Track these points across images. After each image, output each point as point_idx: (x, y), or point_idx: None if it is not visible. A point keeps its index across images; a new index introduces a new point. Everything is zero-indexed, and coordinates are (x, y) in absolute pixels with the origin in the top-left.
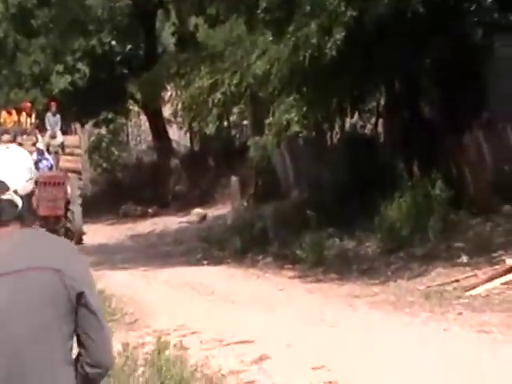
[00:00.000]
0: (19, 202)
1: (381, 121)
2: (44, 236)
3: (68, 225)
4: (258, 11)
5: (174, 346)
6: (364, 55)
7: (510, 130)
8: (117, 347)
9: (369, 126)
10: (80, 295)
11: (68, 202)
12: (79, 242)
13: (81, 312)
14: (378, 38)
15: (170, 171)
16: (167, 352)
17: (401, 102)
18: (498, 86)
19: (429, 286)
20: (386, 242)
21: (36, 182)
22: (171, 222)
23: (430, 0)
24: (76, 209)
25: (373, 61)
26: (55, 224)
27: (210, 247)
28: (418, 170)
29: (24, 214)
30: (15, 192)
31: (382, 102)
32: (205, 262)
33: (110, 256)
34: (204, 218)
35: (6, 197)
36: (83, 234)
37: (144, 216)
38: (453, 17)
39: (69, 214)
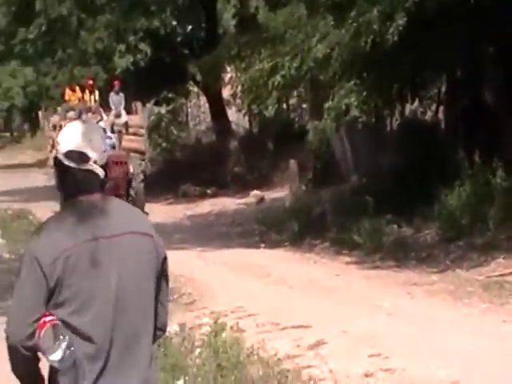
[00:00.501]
0: (101, 172)
1: (442, 108)
2: (125, 204)
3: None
4: None
5: (231, 328)
6: (426, 41)
7: None
8: (173, 327)
9: (429, 113)
10: (164, 260)
11: (130, 182)
12: None
13: (163, 278)
14: (440, 24)
15: (228, 153)
16: (224, 334)
17: (462, 89)
18: None
19: (488, 277)
20: (446, 230)
21: None
22: (229, 203)
23: None
24: (138, 189)
25: (435, 47)
26: None
27: (268, 230)
28: (478, 158)
29: (104, 182)
30: (95, 162)
31: (444, 88)
32: (262, 245)
33: (168, 235)
34: (262, 200)
35: (88, 167)
36: (145, 214)
37: (202, 196)
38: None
39: (131, 194)
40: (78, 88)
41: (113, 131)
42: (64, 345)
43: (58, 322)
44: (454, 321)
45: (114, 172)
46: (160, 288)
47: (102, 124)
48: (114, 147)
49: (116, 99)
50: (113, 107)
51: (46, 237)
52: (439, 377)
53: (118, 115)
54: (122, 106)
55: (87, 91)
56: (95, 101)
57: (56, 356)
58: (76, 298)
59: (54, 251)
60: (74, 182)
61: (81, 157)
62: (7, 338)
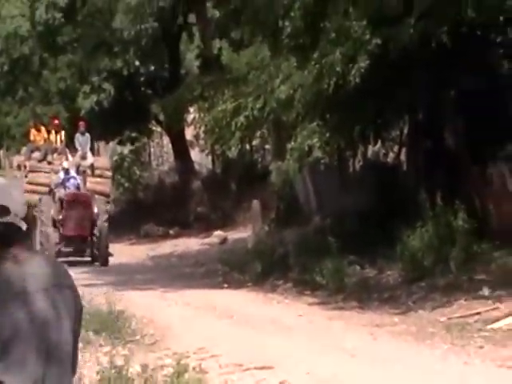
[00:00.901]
0: (23, 225)
1: (404, 149)
2: (45, 257)
3: (94, 246)
4: (283, 36)
5: (194, 369)
6: (388, 83)
7: None
8: (136, 369)
9: (391, 155)
10: (81, 311)
11: (94, 224)
12: (105, 263)
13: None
14: (402, 67)
15: (191, 193)
16: (186, 375)
17: (424, 131)
18: None
19: (450, 318)
20: (408, 271)
21: (62, 201)
22: (192, 244)
23: (456, 30)
24: (103, 230)
25: (396, 89)
26: (81, 244)
27: (231, 270)
28: (440, 200)
29: (27, 235)
30: (16, 215)
31: (405, 130)
32: (225, 285)
33: (130, 276)
34: (225, 240)
35: (10, 220)
36: (109, 255)
37: (165, 236)
38: (478, 48)
39: (95, 234)
40: (43, 128)
41: (78, 172)
42: None
43: None
44: (416, 362)
45: (78, 213)
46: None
47: (65, 165)
48: (78, 188)
49: (82, 140)
50: (79, 148)
51: None
52: None
53: (84, 157)
54: (88, 147)
55: (53, 131)
56: (61, 141)
57: None
58: None
59: None
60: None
61: (1, 210)
62: None
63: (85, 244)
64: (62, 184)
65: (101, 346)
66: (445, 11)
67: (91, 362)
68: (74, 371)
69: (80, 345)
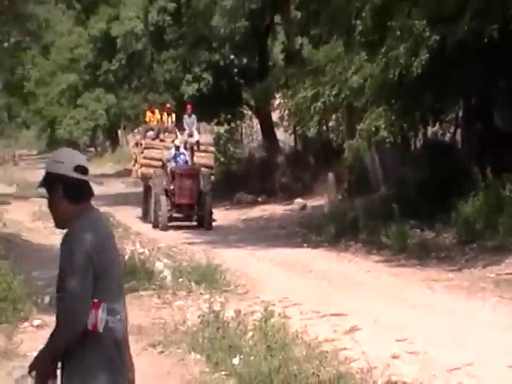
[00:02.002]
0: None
1: (459, 130)
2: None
3: (200, 212)
4: (355, 34)
5: (279, 315)
6: (445, 74)
7: None
8: (230, 313)
9: (448, 135)
10: None
11: (200, 193)
12: (209, 227)
13: None
14: (458, 60)
15: (276, 166)
16: (272, 320)
17: (476, 114)
18: None
19: (498, 274)
20: (461, 234)
21: (173, 173)
22: (277, 209)
23: (505, 27)
24: (208, 199)
25: (453, 78)
26: (189, 211)
27: (309, 232)
28: (490, 174)
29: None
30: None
31: (461, 113)
32: (304, 245)
33: (225, 236)
34: (304, 207)
35: (88, 179)
36: (213, 220)
37: (254, 203)
38: None
39: (201, 203)
40: (157, 111)
41: (186, 148)
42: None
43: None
44: (469, 312)
45: (187, 184)
46: None
47: (177, 142)
48: (186, 162)
49: (189, 120)
50: (186, 127)
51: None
52: (456, 359)
53: (191, 135)
54: (195, 127)
55: (165, 114)
56: (172, 122)
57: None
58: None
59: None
60: (85, 191)
61: (85, 170)
62: (73, 317)
63: (192, 211)
64: (174, 159)
65: (201, 294)
66: (495, 10)
67: (193, 307)
68: None
69: (183, 293)
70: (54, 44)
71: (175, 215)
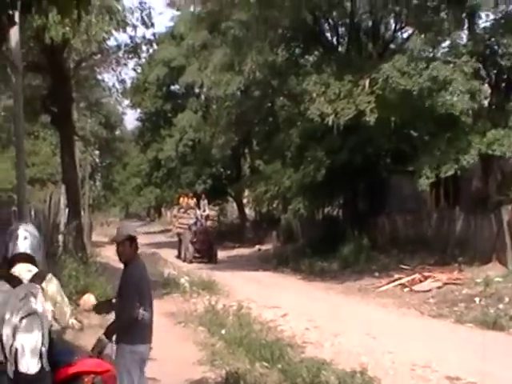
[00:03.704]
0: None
1: (341, 211)
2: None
3: (209, 253)
4: (287, 159)
5: (246, 307)
6: (334, 181)
7: (399, 218)
8: (220, 306)
9: (335, 212)
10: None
11: (210, 242)
12: (215, 262)
13: None
14: (340, 174)
15: (245, 228)
16: (242, 310)
17: (349, 202)
18: (393, 197)
19: (360, 285)
20: (341, 264)
21: (195, 232)
22: (245, 251)
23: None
24: (214, 246)
25: (337, 184)
26: (204, 252)
27: (262, 263)
28: (357, 233)
29: None
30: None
31: (341, 201)
32: (260, 270)
33: (218, 265)
34: (260, 249)
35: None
36: (217, 258)
37: (233, 248)
38: (374, 166)
39: (211, 248)
40: (186, 197)
41: (201, 217)
42: None
43: None
44: (346, 304)
45: (202, 237)
46: None
47: (197, 214)
48: (201, 225)
49: (202, 203)
50: (201, 207)
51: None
52: (338, 330)
53: (204, 210)
54: (206, 207)
55: (189, 198)
56: (193, 203)
57: None
58: None
59: None
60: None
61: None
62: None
63: (206, 253)
64: (195, 224)
65: (204, 296)
66: (361, 148)
67: (201, 302)
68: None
69: (195, 295)
70: (128, 163)
71: (196, 255)
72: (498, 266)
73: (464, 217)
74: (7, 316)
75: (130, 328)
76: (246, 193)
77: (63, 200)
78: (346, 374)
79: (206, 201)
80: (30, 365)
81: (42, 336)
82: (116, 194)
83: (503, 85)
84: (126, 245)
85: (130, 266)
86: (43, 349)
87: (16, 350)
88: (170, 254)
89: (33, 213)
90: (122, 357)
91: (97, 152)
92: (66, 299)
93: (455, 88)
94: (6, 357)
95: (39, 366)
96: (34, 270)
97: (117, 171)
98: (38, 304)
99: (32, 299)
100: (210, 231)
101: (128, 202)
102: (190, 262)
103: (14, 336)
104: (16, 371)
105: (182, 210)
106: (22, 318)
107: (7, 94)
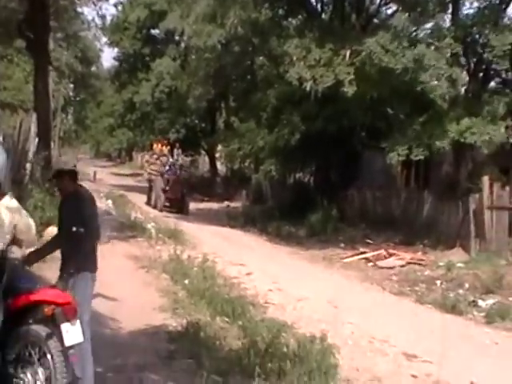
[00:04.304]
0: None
1: (312, 177)
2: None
3: (181, 204)
4: (262, 119)
5: (211, 261)
6: (307, 147)
7: (369, 193)
8: (185, 257)
9: (306, 179)
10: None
11: (184, 194)
12: (187, 213)
13: None
14: (315, 140)
15: (216, 182)
16: (207, 263)
17: (322, 170)
18: (365, 172)
19: (325, 254)
20: (308, 231)
21: (168, 180)
22: (214, 206)
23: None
24: (186, 196)
25: (311, 150)
26: (176, 202)
27: (230, 220)
28: (325, 202)
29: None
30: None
31: (313, 168)
32: (227, 226)
33: (186, 216)
34: (228, 206)
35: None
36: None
37: (202, 201)
38: (348, 138)
39: (182, 198)
40: (159, 143)
41: (174, 165)
42: None
43: None
44: (310, 269)
45: (175, 186)
46: None
47: (171, 161)
48: (175, 173)
49: (176, 152)
50: (175, 155)
51: None
52: (301, 293)
53: (177, 159)
54: (180, 156)
55: (162, 145)
56: (167, 150)
57: None
58: None
59: None
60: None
61: (74, 165)
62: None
63: (177, 203)
64: (168, 172)
65: (170, 244)
66: (336, 118)
67: (165, 250)
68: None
69: (161, 242)
70: (103, 101)
71: (167, 204)
72: (461, 252)
73: (432, 200)
74: None
75: (93, 255)
76: (219, 147)
77: (33, 128)
78: (306, 338)
79: (180, 150)
80: None
81: None
82: (88, 131)
83: (481, 74)
84: (65, 179)
85: (70, 197)
86: None
87: None
88: (138, 199)
89: (1, 137)
90: (87, 286)
91: (71, 85)
92: (28, 216)
93: (436, 72)
94: None
95: None
96: None
97: (90, 108)
98: None
99: None
100: (183, 181)
101: (99, 141)
102: (161, 210)
103: None
104: None
105: (155, 156)
106: None
107: None
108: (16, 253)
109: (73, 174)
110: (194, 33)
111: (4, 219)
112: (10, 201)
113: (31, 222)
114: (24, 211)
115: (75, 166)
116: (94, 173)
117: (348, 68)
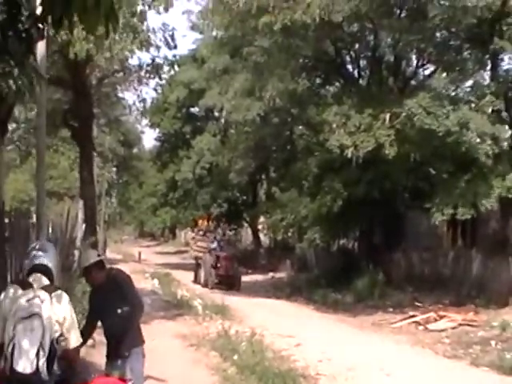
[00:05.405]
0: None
1: (356, 243)
2: None
3: (233, 280)
4: (304, 188)
5: (259, 334)
6: (350, 213)
7: (415, 254)
8: (233, 331)
9: (350, 245)
10: None
11: (236, 270)
12: (238, 288)
13: None
14: (358, 206)
15: (259, 254)
16: (255, 337)
17: (365, 235)
18: (410, 233)
19: (374, 320)
20: (356, 297)
21: (218, 256)
22: (259, 278)
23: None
24: (238, 273)
25: (354, 216)
26: (227, 279)
27: (275, 291)
28: (372, 267)
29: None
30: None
31: (357, 234)
32: (273, 297)
33: (230, 290)
34: (273, 277)
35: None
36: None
37: (247, 273)
38: (391, 200)
39: (235, 274)
40: (204, 219)
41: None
42: None
43: None
44: (362, 338)
45: (226, 263)
46: None
47: (218, 237)
48: (221, 250)
49: (223, 226)
50: (221, 230)
51: None
52: (350, 362)
53: (224, 234)
54: (227, 230)
55: (208, 220)
56: (212, 226)
57: None
58: None
59: None
60: None
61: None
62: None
63: (229, 279)
64: (216, 247)
65: (217, 320)
66: (380, 183)
67: (213, 326)
68: None
69: (208, 318)
70: (144, 182)
71: (217, 281)
72: None
73: (481, 258)
74: (11, 313)
75: (139, 330)
76: (262, 219)
77: (80, 215)
78: None
79: (226, 225)
80: (25, 364)
81: (42, 338)
82: (131, 212)
83: None
84: (93, 271)
85: (103, 286)
86: (41, 352)
87: (13, 347)
88: (183, 276)
89: (50, 226)
90: (139, 361)
91: (114, 169)
92: (75, 320)
93: (479, 131)
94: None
95: (34, 367)
96: (47, 282)
97: (133, 189)
98: (44, 308)
99: (37, 301)
100: (233, 257)
101: (143, 221)
102: (212, 288)
103: (13, 333)
104: (12, 369)
105: (201, 233)
106: (25, 318)
107: (28, 107)
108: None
109: (99, 265)
110: (233, 108)
111: (56, 312)
112: (60, 298)
113: (73, 332)
114: (73, 313)
115: (99, 256)
116: (139, 253)
117: (388, 131)
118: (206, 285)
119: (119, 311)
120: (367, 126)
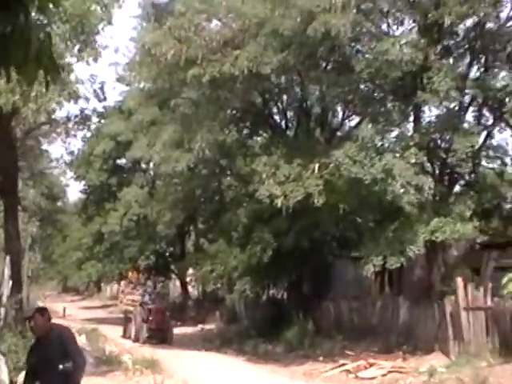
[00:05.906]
0: None
1: (285, 293)
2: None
3: (165, 334)
4: (233, 239)
5: None
6: (280, 263)
7: (344, 303)
8: None
9: (279, 294)
10: None
11: (168, 324)
12: (170, 342)
13: None
14: (287, 256)
15: (188, 306)
16: None
17: (294, 285)
18: (338, 282)
19: (305, 370)
20: (285, 347)
21: (150, 310)
22: (188, 330)
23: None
24: (170, 325)
25: (283, 266)
26: (158, 332)
27: (205, 343)
28: (301, 316)
29: None
30: None
31: (286, 284)
32: (203, 350)
33: (159, 344)
34: (203, 329)
35: None
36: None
37: (175, 326)
38: (319, 250)
39: (166, 328)
40: (134, 271)
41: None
42: None
43: None
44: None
45: (158, 316)
46: None
47: (149, 290)
48: (153, 303)
49: (153, 279)
50: (152, 283)
51: None
52: None
53: (155, 287)
54: (157, 283)
55: (138, 273)
56: (143, 279)
57: None
58: None
59: None
60: None
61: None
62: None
63: (161, 333)
64: (148, 301)
65: (147, 375)
66: (308, 232)
67: (144, 382)
68: None
69: (138, 373)
70: (68, 235)
71: (149, 335)
72: (440, 356)
73: (408, 305)
74: None
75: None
76: (190, 271)
77: (7, 271)
78: None
79: (157, 277)
80: None
81: None
82: (55, 266)
83: (446, 178)
84: (37, 317)
85: (48, 339)
86: None
87: None
88: (111, 331)
89: None
90: None
91: (37, 223)
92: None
93: (403, 179)
94: None
95: None
96: None
97: (57, 243)
98: None
99: None
100: (164, 310)
101: (67, 276)
102: (144, 342)
103: None
104: None
105: (131, 286)
106: None
107: None
108: None
109: (42, 311)
110: (162, 159)
111: None
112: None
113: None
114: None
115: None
116: (64, 308)
117: (317, 180)
118: (137, 339)
119: (61, 367)
120: (296, 175)
